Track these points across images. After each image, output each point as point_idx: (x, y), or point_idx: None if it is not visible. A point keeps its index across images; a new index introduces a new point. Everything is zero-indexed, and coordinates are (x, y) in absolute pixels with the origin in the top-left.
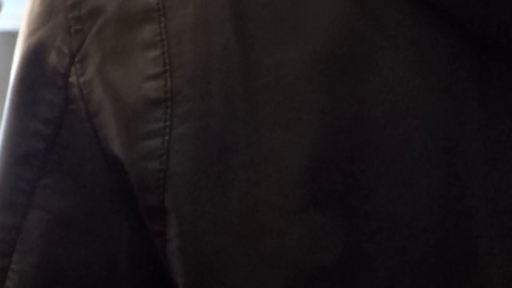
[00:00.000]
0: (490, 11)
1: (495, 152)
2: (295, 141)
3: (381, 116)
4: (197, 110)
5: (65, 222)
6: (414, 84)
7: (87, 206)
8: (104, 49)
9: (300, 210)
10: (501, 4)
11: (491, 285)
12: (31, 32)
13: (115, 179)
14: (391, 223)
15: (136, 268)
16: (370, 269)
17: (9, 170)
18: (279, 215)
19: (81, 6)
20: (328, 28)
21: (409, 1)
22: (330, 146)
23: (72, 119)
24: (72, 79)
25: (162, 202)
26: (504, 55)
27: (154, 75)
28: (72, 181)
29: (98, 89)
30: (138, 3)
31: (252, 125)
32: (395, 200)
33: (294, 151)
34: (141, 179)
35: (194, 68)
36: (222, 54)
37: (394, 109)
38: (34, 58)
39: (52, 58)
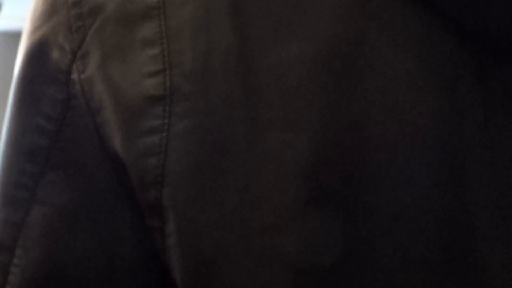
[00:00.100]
0: (490, 11)
1: (495, 151)
2: (295, 139)
3: (381, 115)
4: (196, 108)
5: (67, 218)
6: (415, 83)
7: (90, 202)
8: (105, 46)
9: (299, 209)
10: (501, 4)
11: (491, 283)
12: (34, 30)
13: (116, 175)
14: (391, 221)
15: (137, 263)
16: (369, 267)
17: (12, 166)
18: (278, 214)
19: (82, 4)
20: (329, 27)
21: (410, 1)
22: (330, 145)
23: (75, 115)
24: (74, 75)
25: (160, 198)
26: (504, 55)
27: (154, 73)
28: (74, 177)
29: (99, 86)
30: (138, 1)
31: (252, 123)
32: (394, 199)
33: (293, 149)
34: (141, 175)
35: (194, 66)
36: (222, 52)
37: (394, 108)
38: (37, 55)
39: (55, 55)
